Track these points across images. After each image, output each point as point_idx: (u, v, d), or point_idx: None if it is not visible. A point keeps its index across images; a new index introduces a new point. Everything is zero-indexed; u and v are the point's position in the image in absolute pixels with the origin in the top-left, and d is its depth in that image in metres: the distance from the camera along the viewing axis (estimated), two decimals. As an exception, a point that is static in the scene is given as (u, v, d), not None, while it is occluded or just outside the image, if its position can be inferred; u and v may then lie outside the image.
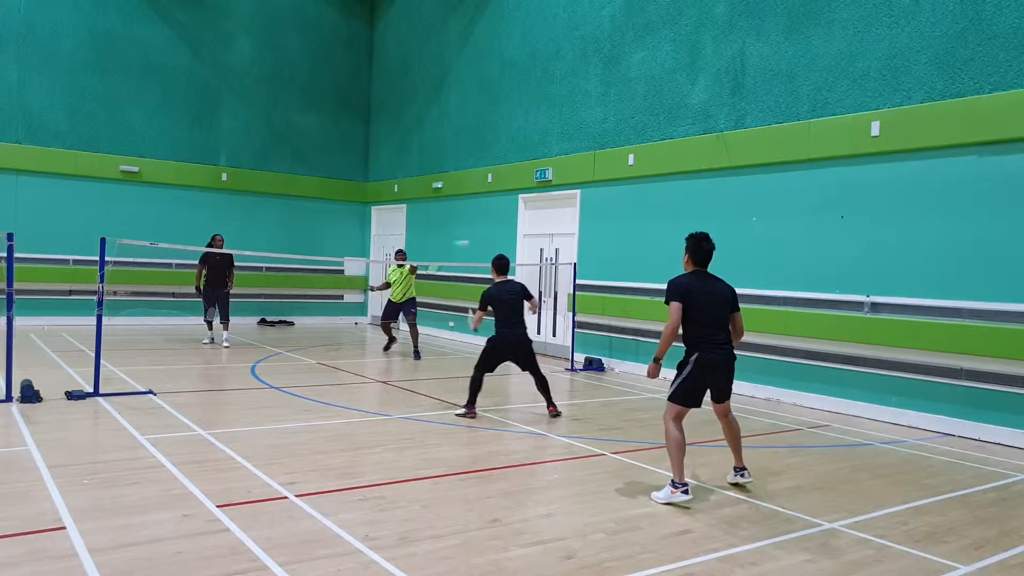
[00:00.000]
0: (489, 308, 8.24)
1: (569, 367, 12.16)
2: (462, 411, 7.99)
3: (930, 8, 8.48)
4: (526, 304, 8.37)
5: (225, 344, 12.98)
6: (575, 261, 12.85)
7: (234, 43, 17.49)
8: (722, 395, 5.60)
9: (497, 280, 8.41)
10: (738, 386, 10.40)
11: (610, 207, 12.44)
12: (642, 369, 11.73)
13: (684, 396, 5.41)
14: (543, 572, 3.98)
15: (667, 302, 5.42)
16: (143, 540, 4.15)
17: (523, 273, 14.10)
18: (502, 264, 8.49)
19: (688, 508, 5.14)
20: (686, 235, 5.69)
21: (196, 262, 13.51)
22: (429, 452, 6.40)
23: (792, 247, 9.75)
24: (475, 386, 8.05)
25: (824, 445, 7.40)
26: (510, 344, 8.16)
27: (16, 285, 8.31)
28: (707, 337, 5.41)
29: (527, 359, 8.23)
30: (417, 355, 12.69)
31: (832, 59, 9.38)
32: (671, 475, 5.33)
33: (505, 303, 8.19)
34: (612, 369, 12.18)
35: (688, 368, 5.41)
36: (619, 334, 12.18)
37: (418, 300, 13.39)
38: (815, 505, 5.34)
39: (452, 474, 5.78)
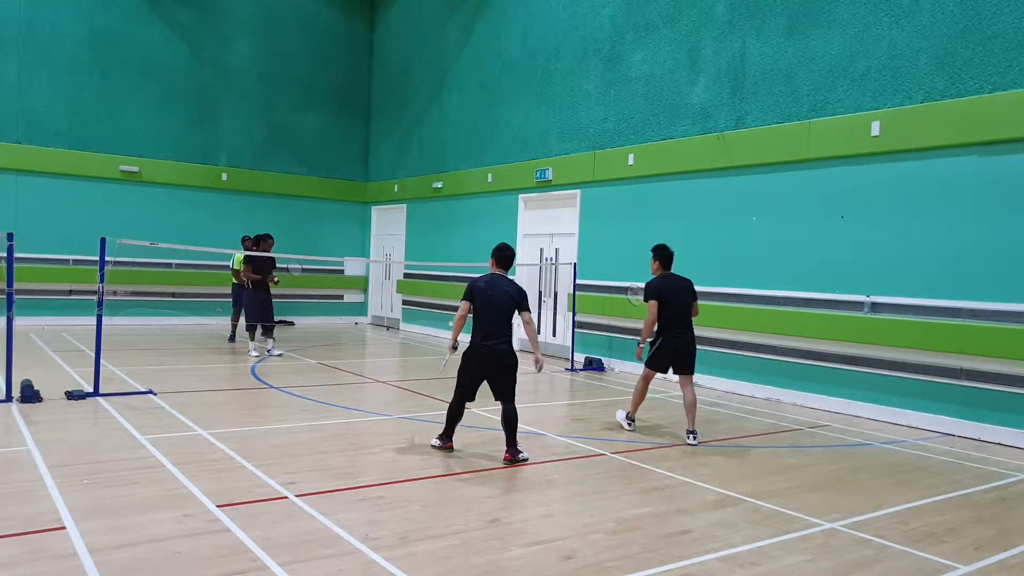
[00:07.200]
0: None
1: (569, 367, 12.16)
2: (437, 443, 6.45)
3: (930, 8, 8.48)
4: (517, 318, 6.35)
5: (271, 352, 11.96)
6: (575, 261, 12.85)
7: (234, 43, 17.48)
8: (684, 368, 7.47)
9: (493, 271, 6.49)
10: (738, 386, 10.52)
11: (610, 207, 12.44)
12: (642, 369, 11.71)
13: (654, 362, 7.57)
14: (543, 572, 3.98)
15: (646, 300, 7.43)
16: (143, 540, 4.15)
17: (523, 273, 14.09)
18: (503, 256, 6.48)
19: (686, 506, 5.15)
20: (653, 245, 7.73)
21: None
22: (429, 452, 6.40)
23: (792, 247, 9.75)
24: (450, 415, 6.39)
25: (824, 445, 7.40)
26: (484, 357, 6.20)
27: (16, 285, 8.31)
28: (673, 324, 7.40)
29: (503, 382, 6.25)
30: (233, 338, 13.85)
31: (832, 59, 9.38)
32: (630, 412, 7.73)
33: (490, 303, 6.20)
34: (612, 369, 12.18)
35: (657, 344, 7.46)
36: (619, 334, 12.17)
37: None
38: (815, 505, 5.34)
39: (452, 474, 5.79)
